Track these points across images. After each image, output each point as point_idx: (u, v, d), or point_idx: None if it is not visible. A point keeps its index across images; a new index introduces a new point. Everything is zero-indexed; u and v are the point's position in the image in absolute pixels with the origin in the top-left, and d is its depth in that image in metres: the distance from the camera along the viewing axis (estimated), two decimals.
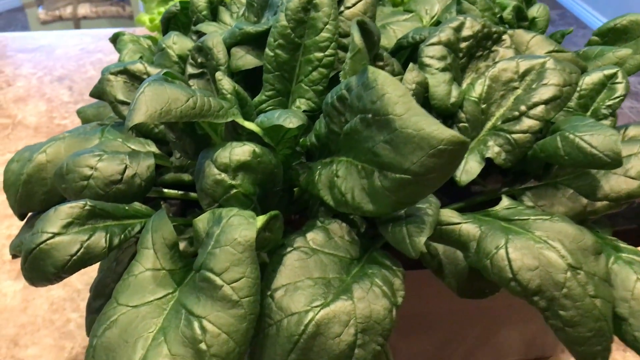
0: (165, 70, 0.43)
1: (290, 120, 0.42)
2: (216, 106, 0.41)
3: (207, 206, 0.42)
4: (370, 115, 0.40)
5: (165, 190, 0.55)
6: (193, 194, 0.55)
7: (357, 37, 0.45)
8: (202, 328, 0.36)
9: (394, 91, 0.39)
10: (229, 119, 0.42)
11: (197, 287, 0.38)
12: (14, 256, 0.59)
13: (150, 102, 0.38)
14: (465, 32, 0.55)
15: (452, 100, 0.51)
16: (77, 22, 3.11)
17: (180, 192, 0.55)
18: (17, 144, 1.04)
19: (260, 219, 0.40)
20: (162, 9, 1.03)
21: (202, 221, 0.41)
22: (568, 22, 3.91)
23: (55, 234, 0.44)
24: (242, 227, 0.38)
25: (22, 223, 0.65)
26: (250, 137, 0.44)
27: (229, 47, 0.54)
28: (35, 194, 0.54)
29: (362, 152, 0.41)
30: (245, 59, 0.53)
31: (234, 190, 0.41)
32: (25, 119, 1.12)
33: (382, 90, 0.39)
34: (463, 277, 0.49)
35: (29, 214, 0.57)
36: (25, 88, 1.22)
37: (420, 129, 0.37)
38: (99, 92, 0.57)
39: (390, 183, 0.39)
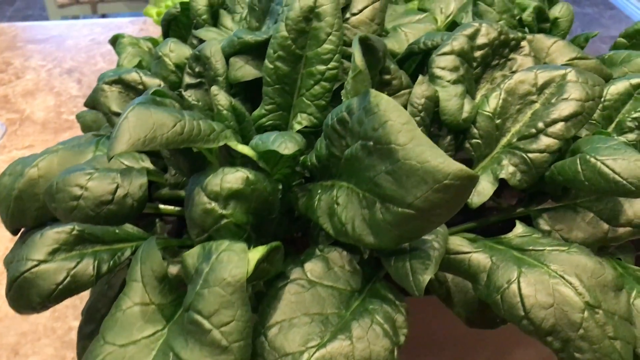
0: (154, 89, 0.41)
1: (286, 145, 0.39)
2: (206, 130, 0.38)
3: (196, 236, 0.40)
4: (371, 143, 0.37)
5: (162, 206, 0.52)
6: None
7: (358, 57, 0.41)
8: None
9: (397, 118, 0.35)
10: (221, 143, 0.39)
11: (185, 328, 0.35)
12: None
13: (134, 129, 0.35)
14: (480, 40, 0.51)
15: (465, 115, 0.48)
16: (94, 6, 3.08)
17: (176, 209, 0.52)
18: (24, 141, 1.03)
19: (259, 251, 0.37)
20: (170, 2, 1.01)
21: (191, 256, 0.38)
22: (594, 1, 3.79)
23: (40, 262, 0.42)
24: (232, 265, 0.35)
25: None
26: (245, 159, 0.42)
27: (227, 56, 0.51)
28: (27, 210, 0.52)
29: (363, 181, 0.38)
30: (244, 70, 0.50)
31: (225, 221, 0.39)
32: (34, 114, 1.10)
33: (385, 116, 0.36)
34: (473, 307, 0.46)
35: (22, 229, 0.55)
36: (34, 81, 1.20)
37: (424, 161, 0.34)
38: (93, 102, 0.55)
39: (393, 217, 0.36)
